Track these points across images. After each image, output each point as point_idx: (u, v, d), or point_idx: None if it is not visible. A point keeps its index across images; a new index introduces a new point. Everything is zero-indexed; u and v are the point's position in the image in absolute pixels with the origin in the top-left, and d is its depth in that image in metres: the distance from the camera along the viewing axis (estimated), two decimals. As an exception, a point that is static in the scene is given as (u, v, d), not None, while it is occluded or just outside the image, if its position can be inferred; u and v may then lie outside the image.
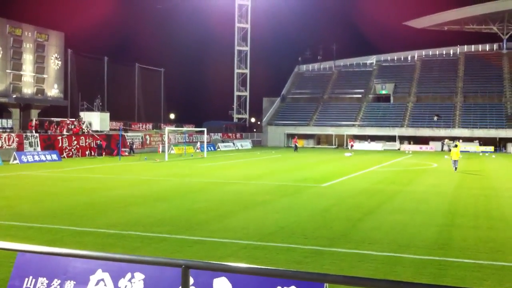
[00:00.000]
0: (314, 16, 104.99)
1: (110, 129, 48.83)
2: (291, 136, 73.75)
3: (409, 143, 68.74)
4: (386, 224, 13.14)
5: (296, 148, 58.67)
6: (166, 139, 43.55)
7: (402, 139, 70.10)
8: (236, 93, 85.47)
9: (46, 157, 35.56)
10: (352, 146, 66.31)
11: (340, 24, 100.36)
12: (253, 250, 10.17)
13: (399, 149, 67.37)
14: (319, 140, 76.72)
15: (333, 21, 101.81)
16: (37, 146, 37.94)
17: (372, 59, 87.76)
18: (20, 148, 36.43)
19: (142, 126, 57.85)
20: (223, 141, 65.11)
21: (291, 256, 9.77)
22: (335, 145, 73.30)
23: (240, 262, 9.18)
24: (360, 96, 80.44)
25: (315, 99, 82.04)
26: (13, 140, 36.52)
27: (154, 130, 57.67)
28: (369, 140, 70.39)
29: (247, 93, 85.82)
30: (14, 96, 41.93)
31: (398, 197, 18.74)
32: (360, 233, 11.99)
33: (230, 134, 72.39)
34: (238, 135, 74.80)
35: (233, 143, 65.26)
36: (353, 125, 73.96)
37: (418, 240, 11.31)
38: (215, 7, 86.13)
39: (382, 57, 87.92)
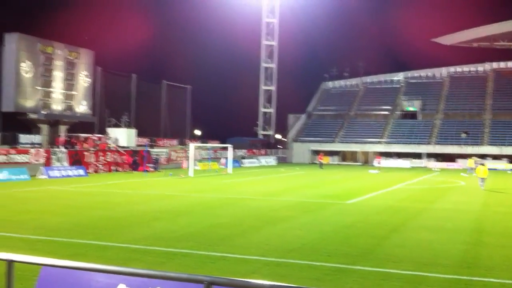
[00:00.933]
0: (341, 32, 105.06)
1: (137, 145, 49.34)
2: (316, 152, 73.49)
3: (436, 161, 67.83)
4: (411, 242, 12.95)
5: (321, 164, 58.35)
6: (191, 155, 43.78)
7: (429, 156, 69.23)
8: (261, 110, 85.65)
9: (73, 172, 36.05)
10: (379, 162, 65.56)
11: (367, 40, 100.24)
12: (276, 267, 10.12)
13: (426, 166, 66.51)
14: (344, 157, 76.24)
15: (360, 38, 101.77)
16: (65, 161, 38.51)
17: (399, 76, 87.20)
18: (48, 163, 37.02)
19: (167, 142, 58.30)
20: (247, 157, 65.18)
21: (313, 273, 9.69)
22: (360, 162, 72.74)
23: (263, 279, 9.15)
24: (387, 113, 79.85)
25: (341, 115, 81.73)
26: (41, 155, 37.14)
27: (179, 146, 58.06)
28: (395, 157, 69.68)
29: (272, 110, 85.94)
30: (43, 112, 42.73)
31: (423, 214, 18.48)
32: (384, 251, 11.84)
33: (255, 151, 72.42)
34: (263, 151, 74.79)
35: (258, 160, 65.25)
36: (379, 142, 73.36)
37: (444, 258, 11.12)
38: (242, 25, 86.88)
39: (410, 73, 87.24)
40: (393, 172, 50.39)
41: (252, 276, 9.27)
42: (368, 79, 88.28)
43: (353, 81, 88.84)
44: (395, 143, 72.03)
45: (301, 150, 76.24)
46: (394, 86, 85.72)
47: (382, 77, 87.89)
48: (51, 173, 34.20)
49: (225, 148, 53.41)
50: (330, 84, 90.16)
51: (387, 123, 77.43)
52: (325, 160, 70.21)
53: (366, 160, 71.93)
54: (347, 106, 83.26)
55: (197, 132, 75.33)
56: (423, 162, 67.81)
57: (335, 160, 74.75)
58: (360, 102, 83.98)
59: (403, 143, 71.28)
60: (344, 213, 18.54)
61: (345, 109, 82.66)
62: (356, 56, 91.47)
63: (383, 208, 20.05)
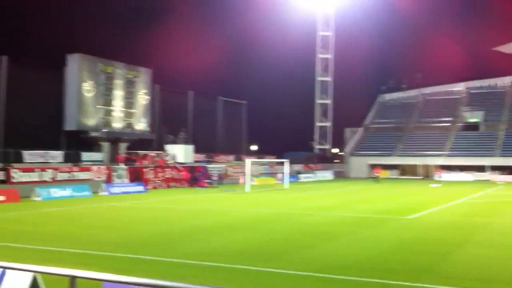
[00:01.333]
0: (397, 43, 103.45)
1: (194, 161, 50.06)
2: (374, 166, 72.31)
3: (501, 173, 65.30)
4: (474, 258, 12.48)
5: (377, 178, 57.24)
6: (247, 171, 43.98)
7: (493, 169, 66.74)
8: (317, 124, 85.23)
9: (133, 189, 36.91)
10: (440, 176, 63.59)
11: (425, 50, 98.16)
12: (332, 284, 9.97)
13: (489, 179, 64.14)
14: (404, 170, 74.63)
15: (417, 48, 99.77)
16: (125, 178, 39.53)
17: (460, 86, 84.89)
18: (109, 180, 38.09)
19: (224, 158, 58.84)
20: (304, 172, 64.87)
21: (372, 290, 9.48)
22: (421, 176, 70.96)
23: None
24: (448, 124, 77.79)
25: (399, 128, 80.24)
26: (103, 172, 38.28)
27: (236, 161, 58.48)
28: (457, 170, 67.61)
29: (328, 124, 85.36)
30: (104, 130, 44.12)
31: (487, 230, 17.80)
32: (447, 268, 11.46)
33: (311, 165, 72.00)
34: (319, 166, 74.25)
35: (315, 174, 64.82)
36: (440, 155, 71.45)
37: (509, 275, 10.65)
38: (297, 39, 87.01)
39: (471, 83, 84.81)
40: (455, 186, 48.92)
41: (309, 293, 9.18)
42: (427, 90, 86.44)
43: (411, 93, 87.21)
44: (457, 155, 69.94)
45: (358, 164, 75.22)
46: (454, 97, 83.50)
47: (441, 88, 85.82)
48: (112, 189, 35.14)
49: (281, 163, 53.32)
50: (387, 96, 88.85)
51: (448, 135, 75.39)
52: (384, 174, 68.86)
53: (427, 174, 70.12)
54: (405, 119, 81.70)
55: (253, 148, 75.72)
56: (487, 175, 65.44)
57: (394, 174, 73.30)
58: (420, 114, 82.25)
59: (465, 156, 69.07)
60: (404, 228, 18.09)
61: (403, 121, 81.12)
62: (414, 67, 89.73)
63: (445, 224, 19.46)
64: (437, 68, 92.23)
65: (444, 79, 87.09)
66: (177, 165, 45.68)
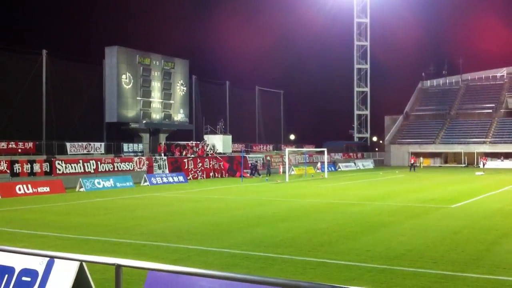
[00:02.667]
0: (437, 29, 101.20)
1: (232, 151, 50.22)
2: (415, 155, 71.19)
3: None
4: (525, 248, 12.07)
5: (413, 167, 55.67)
6: (286, 160, 43.87)
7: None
8: (356, 112, 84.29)
9: (173, 179, 37.27)
10: (484, 164, 61.89)
11: (466, 36, 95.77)
12: (379, 274, 9.77)
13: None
14: (447, 158, 73.14)
15: (457, 33, 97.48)
16: (165, 168, 39.95)
17: (502, 71, 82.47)
18: (150, 170, 38.57)
19: (262, 148, 58.84)
20: (343, 161, 64.33)
21: (419, 281, 9.24)
22: (464, 163, 69.41)
23: (365, 287, 8.87)
24: (490, 111, 75.79)
25: (441, 115, 78.62)
26: (144, 163, 38.77)
27: (275, 151, 58.40)
28: (502, 158, 65.84)
29: (367, 112, 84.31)
30: (144, 121, 44.65)
31: (538, 219, 17.21)
32: (495, 257, 11.12)
33: (351, 154, 71.34)
34: (359, 154, 73.52)
35: (354, 163, 64.21)
36: (484, 142, 69.71)
37: None
38: (333, 27, 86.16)
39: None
40: (499, 174, 47.68)
41: (353, 283, 9.04)
42: (469, 76, 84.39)
43: (452, 79, 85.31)
44: (501, 142, 68.14)
45: (399, 152, 74.13)
46: (497, 82, 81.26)
47: (483, 74, 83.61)
48: (153, 180, 35.56)
49: (321, 152, 53.06)
50: (427, 83, 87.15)
51: (491, 122, 73.47)
52: (426, 162, 67.74)
53: (471, 162, 68.52)
54: (447, 106, 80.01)
55: (292, 137, 75.47)
56: (533, 162, 63.57)
57: (436, 162, 71.98)
58: (461, 101, 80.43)
59: (510, 143, 67.22)
60: (450, 217, 17.67)
61: (445, 108, 79.44)
62: (454, 53, 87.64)
63: (492, 212, 18.93)
64: (478, 53, 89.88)
65: (485, 64, 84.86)
66: (216, 155, 45.91)
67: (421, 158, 69.49)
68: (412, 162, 56.93)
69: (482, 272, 9.78)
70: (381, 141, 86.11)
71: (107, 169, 35.95)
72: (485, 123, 73.90)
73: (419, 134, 75.95)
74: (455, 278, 9.44)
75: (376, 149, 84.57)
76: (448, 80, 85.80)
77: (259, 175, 45.13)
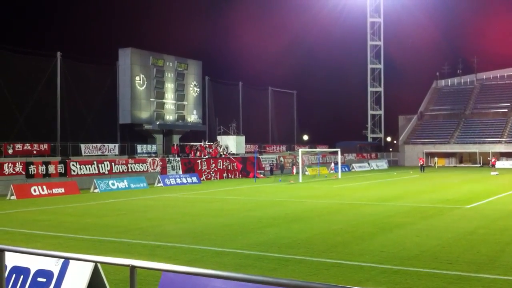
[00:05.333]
0: (451, 28, 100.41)
1: (246, 152, 50.25)
2: (430, 155, 70.66)
3: None
4: (542, 249, 11.93)
5: (422, 168, 54.50)
6: (300, 161, 43.80)
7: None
8: (370, 112, 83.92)
9: (187, 180, 37.38)
10: (493, 164, 60.46)
11: (480, 35, 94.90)
12: (393, 275, 9.71)
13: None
14: (462, 158, 72.55)
15: (472, 33, 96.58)
16: (179, 169, 40.07)
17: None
18: (163, 171, 38.71)
19: (276, 148, 58.80)
20: (357, 162, 64.06)
21: (434, 282, 9.17)
22: (479, 163, 68.78)
23: (380, 288, 8.82)
24: (505, 110, 75.06)
25: (456, 115, 78.01)
26: (157, 164, 38.92)
27: (288, 152, 58.34)
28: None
29: (381, 112, 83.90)
30: (157, 123, 44.83)
31: (555, 219, 17.00)
32: (511, 258, 11.02)
33: (364, 154, 71.04)
34: (373, 155, 73.18)
35: (368, 164, 63.91)
36: (499, 142, 69.05)
37: None
38: (347, 27, 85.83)
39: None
40: (515, 174, 47.26)
41: (367, 284, 9.02)
42: (484, 75, 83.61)
43: (467, 79, 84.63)
44: (516, 142, 67.46)
45: (413, 152, 73.66)
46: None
47: (498, 73, 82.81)
48: (167, 181, 35.68)
49: (334, 153, 52.88)
50: (442, 82, 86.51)
51: (507, 121, 72.75)
52: (441, 162, 67.18)
53: (486, 161, 67.85)
54: (462, 105, 79.40)
55: (305, 137, 75.34)
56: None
57: (451, 162, 71.43)
58: (476, 100, 79.75)
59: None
60: (465, 218, 17.52)
61: (460, 108, 78.85)
62: (469, 52, 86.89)
63: (507, 213, 18.74)
64: (493, 52, 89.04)
65: (500, 63, 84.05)
66: (229, 156, 45.96)
67: (436, 158, 68.90)
68: (421, 163, 55.81)
69: (497, 273, 9.70)
70: (395, 141, 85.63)
71: (121, 170, 36.15)
72: (500, 122, 73.20)
73: (434, 134, 75.43)
74: (471, 279, 9.37)
75: (390, 149, 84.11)
76: (463, 79, 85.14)
77: (270, 175, 45.12)
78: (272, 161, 50.08)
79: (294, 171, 50.21)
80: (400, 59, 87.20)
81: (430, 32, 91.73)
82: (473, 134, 72.21)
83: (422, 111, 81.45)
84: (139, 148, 41.52)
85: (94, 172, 34.43)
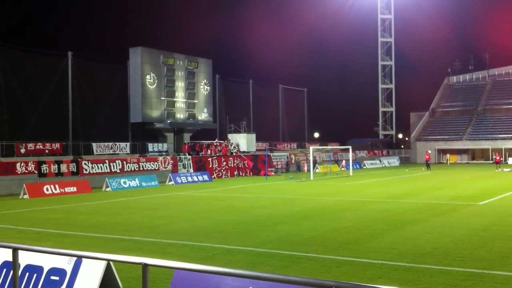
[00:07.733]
0: (463, 24, 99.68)
1: (256, 150, 50.23)
2: (442, 151, 70.19)
3: None
4: (556, 246, 11.82)
5: (427, 165, 52.43)
6: (311, 158, 43.73)
7: None
8: (381, 109, 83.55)
9: (198, 178, 37.46)
10: (498, 162, 58.08)
11: (492, 30, 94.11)
12: (405, 272, 9.68)
13: None
14: (474, 155, 72.03)
15: (484, 28, 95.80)
16: (190, 167, 40.16)
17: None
18: (174, 170, 38.81)
19: (286, 146, 58.72)
20: (369, 159, 63.83)
21: (446, 279, 9.13)
22: (491, 160, 68.21)
23: (391, 285, 8.78)
24: (517, 106, 74.45)
25: (468, 111, 77.45)
26: (168, 162, 39.03)
27: (299, 149, 58.24)
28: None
29: (392, 109, 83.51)
30: (168, 121, 44.94)
31: None
32: (526, 255, 10.93)
33: (376, 151, 70.76)
34: (384, 152, 72.89)
35: (380, 161, 63.65)
36: (511, 138, 68.45)
37: None
38: (357, 24, 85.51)
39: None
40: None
41: (379, 281, 8.97)
42: (496, 71, 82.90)
43: (479, 75, 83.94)
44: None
45: (425, 149, 73.15)
46: (525, 77, 79.76)
47: (510, 69, 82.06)
48: (178, 179, 35.78)
49: (345, 150, 52.73)
50: (454, 78, 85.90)
51: (519, 117, 72.13)
52: (453, 159, 66.69)
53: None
54: (474, 101, 78.80)
55: (316, 135, 75.18)
56: None
57: (463, 158, 70.96)
58: (488, 96, 79.10)
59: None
60: (477, 215, 17.41)
61: (472, 104, 78.26)
62: (480, 48, 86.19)
63: (521, 209, 18.60)
64: (505, 47, 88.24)
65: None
66: (240, 154, 45.98)
67: (448, 154, 68.41)
68: (427, 160, 53.60)
69: (511, 270, 9.64)
70: (406, 138, 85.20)
71: (132, 169, 36.31)
72: (512, 118, 72.64)
73: (446, 131, 74.95)
74: (483, 276, 9.32)
75: (402, 146, 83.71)
76: (475, 75, 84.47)
77: (281, 173, 45.09)
78: (284, 158, 50.01)
79: (305, 168, 50.15)
80: (411, 56, 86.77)
81: (441, 28, 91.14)
82: (485, 130, 71.65)
83: (434, 107, 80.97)
84: (150, 146, 41.64)
85: (106, 171, 34.61)
